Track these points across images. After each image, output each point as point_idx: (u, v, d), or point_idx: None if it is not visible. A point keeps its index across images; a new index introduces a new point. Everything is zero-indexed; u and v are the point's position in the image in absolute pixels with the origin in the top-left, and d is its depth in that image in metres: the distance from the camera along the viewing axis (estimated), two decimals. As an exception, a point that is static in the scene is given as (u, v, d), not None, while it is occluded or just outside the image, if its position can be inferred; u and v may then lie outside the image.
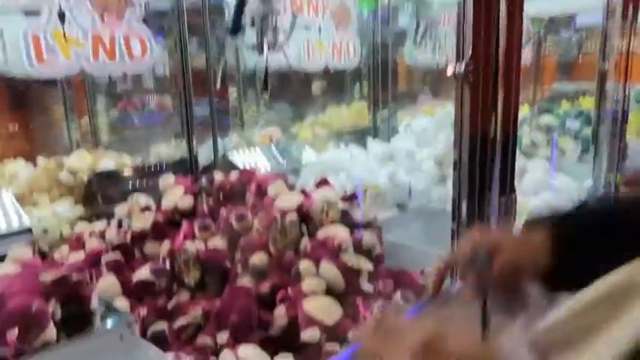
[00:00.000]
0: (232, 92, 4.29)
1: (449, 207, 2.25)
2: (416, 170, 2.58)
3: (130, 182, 2.54)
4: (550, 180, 2.61)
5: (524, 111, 3.35)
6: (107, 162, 2.59)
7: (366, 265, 1.39)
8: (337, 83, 4.82)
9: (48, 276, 1.20)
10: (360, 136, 3.87)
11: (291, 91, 4.58)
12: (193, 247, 1.47)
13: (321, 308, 1.32)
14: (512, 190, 1.66)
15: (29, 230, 1.85)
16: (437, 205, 2.29)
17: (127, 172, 2.55)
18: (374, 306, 1.39)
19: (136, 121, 4.68)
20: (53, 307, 1.18)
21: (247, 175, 1.84)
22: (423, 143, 2.88)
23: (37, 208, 2.18)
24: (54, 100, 3.75)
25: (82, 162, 2.52)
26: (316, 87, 4.88)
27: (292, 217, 1.54)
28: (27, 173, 2.41)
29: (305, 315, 1.31)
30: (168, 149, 3.26)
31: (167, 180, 1.82)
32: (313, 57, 3.42)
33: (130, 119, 4.65)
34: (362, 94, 4.92)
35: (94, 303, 1.26)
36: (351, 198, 1.70)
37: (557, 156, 3.09)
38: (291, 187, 1.85)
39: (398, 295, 1.51)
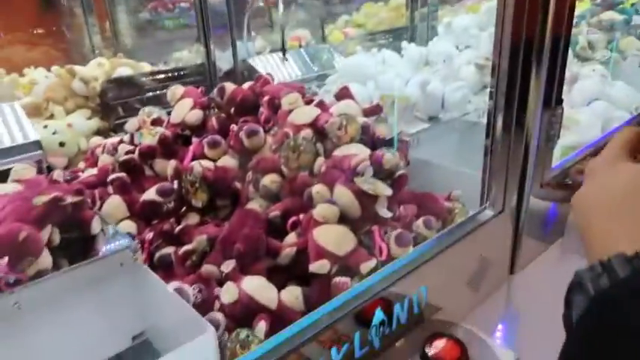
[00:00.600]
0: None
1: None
2: (453, 77, 2.33)
3: (147, 90, 2.42)
4: (606, 88, 2.32)
5: (582, 6, 2.93)
6: (124, 70, 2.47)
7: (385, 190, 1.25)
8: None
9: (40, 199, 1.13)
10: (395, 39, 3.55)
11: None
12: (200, 166, 1.37)
13: (333, 238, 1.22)
14: (559, 102, 1.45)
15: (37, 143, 1.79)
16: (473, 117, 2.08)
17: (144, 80, 2.43)
18: (391, 234, 1.27)
19: (167, 23, 4.47)
20: (49, 233, 1.12)
21: (261, 84, 1.68)
22: (463, 46, 2.58)
23: (52, 120, 2.12)
24: (77, 4, 3.59)
25: (95, 70, 2.41)
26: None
27: (306, 133, 1.40)
28: (45, 83, 2.33)
29: (315, 244, 1.21)
30: (190, 54, 3.09)
31: (175, 91, 1.68)
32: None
33: (160, 21, 4.44)
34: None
35: (95, 227, 1.20)
36: (374, 111, 1.52)
37: (616, 60, 2.72)
38: (311, 99, 1.69)
39: (420, 222, 1.39)
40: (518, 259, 1.57)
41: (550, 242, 1.73)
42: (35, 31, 3.59)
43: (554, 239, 1.74)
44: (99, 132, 2.23)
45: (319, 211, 1.26)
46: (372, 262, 1.19)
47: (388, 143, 1.61)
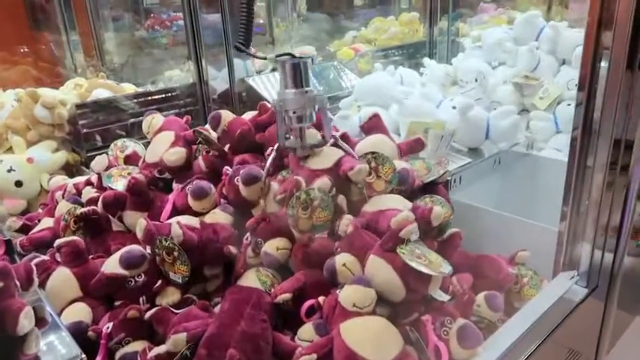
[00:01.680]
0: (261, 7, 3.68)
1: (542, 153, 1.68)
2: (489, 99, 1.97)
3: (131, 116, 2.06)
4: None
5: None
6: (101, 92, 2.11)
7: (444, 267, 0.87)
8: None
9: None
10: (410, 55, 3.21)
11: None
12: (179, 229, 0.99)
13: (370, 338, 0.84)
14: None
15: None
16: (521, 147, 1.71)
17: (126, 103, 2.07)
18: (452, 327, 0.89)
19: (164, 41, 4.17)
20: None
21: (268, 116, 1.30)
22: (496, 62, 2.23)
23: (10, 154, 1.75)
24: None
25: (68, 93, 2.05)
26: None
27: (322, 182, 1.02)
28: (10, 109, 1.97)
29: (344, 347, 0.83)
30: (182, 74, 2.75)
31: (152, 121, 1.31)
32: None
33: (156, 39, 4.14)
34: (411, 3, 4.17)
35: (24, 325, 0.82)
36: (413, 148, 1.16)
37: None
38: (318, 128, 1.32)
39: (481, 300, 1.01)
40: (605, 341, 1.18)
41: (636, 312, 1.35)
42: (21, 50, 3.28)
43: (639, 307, 1.36)
44: (69, 167, 1.87)
45: (348, 295, 0.88)
46: (429, 376, 0.81)
47: (426, 187, 1.24)
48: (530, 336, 0.90)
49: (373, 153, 1.10)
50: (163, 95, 2.17)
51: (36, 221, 1.45)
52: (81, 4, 3.29)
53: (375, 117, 1.20)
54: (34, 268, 0.95)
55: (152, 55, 3.84)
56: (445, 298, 0.92)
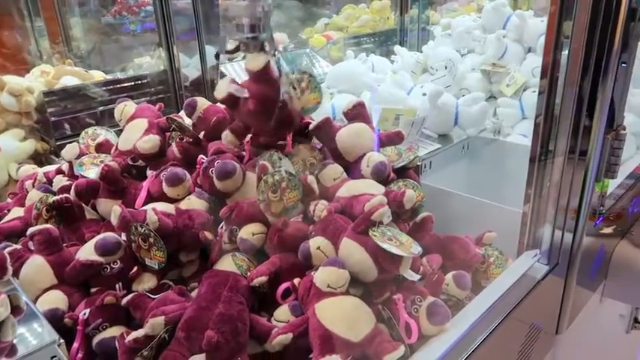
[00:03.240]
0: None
1: (508, 138, 1.73)
2: (458, 86, 2.02)
3: (100, 104, 2.03)
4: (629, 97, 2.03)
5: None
6: (69, 79, 2.06)
7: (415, 249, 0.91)
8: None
9: None
10: (381, 43, 3.23)
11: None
12: (155, 215, 1.00)
13: (344, 316, 0.87)
14: (621, 122, 1.14)
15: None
16: (488, 133, 1.76)
17: (95, 91, 2.03)
18: (422, 305, 0.93)
19: (132, 26, 4.07)
20: None
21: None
22: (465, 50, 2.28)
23: (-25, 142, 1.71)
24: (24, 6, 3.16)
25: (35, 81, 2.01)
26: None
27: (286, 161, 1.05)
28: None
29: (319, 326, 0.86)
30: (152, 61, 2.70)
31: (124, 109, 1.31)
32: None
33: (123, 25, 4.04)
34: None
35: (0, 312, 0.82)
36: (392, 140, 1.20)
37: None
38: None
39: (450, 279, 1.05)
40: (565, 316, 1.25)
41: (594, 288, 1.42)
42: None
43: (597, 284, 1.44)
44: (38, 156, 1.83)
45: (322, 276, 0.91)
46: (400, 351, 0.85)
47: (398, 172, 1.27)
48: (494, 311, 0.95)
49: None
50: (134, 83, 2.15)
51: (5, 211, 1.43)
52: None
53: (360, 105, 1.23)
54: (8, 256, 0.95)
55: (120, 41, 3.75)
56: (415, 277, 0.96)
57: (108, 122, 2.02)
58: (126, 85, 2.13)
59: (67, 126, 1.95)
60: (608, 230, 1.42)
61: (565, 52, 1.01)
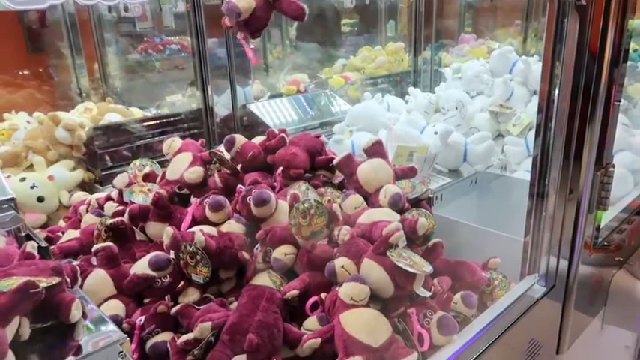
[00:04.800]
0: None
1: (514, 174, 1.88)
2: (468, 125, 2.19)
3: (138, 138, 2.22)
4: (627, 138, 2.18)
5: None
6: (113, 115, 2.28)
7: (426, 267, 1.06)
8: (369, 19, 4.32)
9: (7, 283, 0.92)
10: (395, 83, 3.43)
11: (321, 26, 4.10)
12: (202, 235, 1.16)
13: (365, 324, 1.01)
14: (610, 160, 1.29)
15: (12, 200, 1.56)
16: (496, 169, 1.92)
17: (135, 127, 2.24)
18: (433, 318, 1.07)
19: (158, 64, 4.33)
20: (16, 327, 0.90)
21: (276, 142, 1.47)
22: (474, 92, 2.46)
23: (31, 171, 1.90)
24: (65, 45, 3.42)
25: (81, 116, 2.22)
26: (346, 24, 4.41)
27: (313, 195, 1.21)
28: (26, 130, 2.14)
29: (343, 332, 1.00)
30: (184, 99, 2.92)
31: (172, 144, 1.49)
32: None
33: (150, 63, 4.29)
34: (397, 32, 4.40)
35: (75, 314, 0.98)
36: (406, 174, 1.35)
37: (625, 107, 2.59)
38: (320, 152, 1.51)
39: (458, 298, 1.19)
40: (565, 337, 1.37)
41: (593, 314, 1.54)
42: (21, 73, 3.42)
43: (597, 310, 1.55)
44: (83, 184, 2.02)
45: (347, 290, 1.06)
46: (413, 357, 0.99)
47: (412, 203, 1.43)
48: (497, 324, 1.08)
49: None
50: (169, 119, 2.35)
51: (58, 233, 1.60)
52: (86, 29, 3.43)
53: (378, 143, 1.39)
54: (78, 268, 1.12)
55: (146, 77, 4.01)
56: (427, 294, 1.10)
57: (144, 154, 2.22)
58: (162, 121, 2.33)
59: (108, 158, 2.15)
60: (606, 260, 1.54)
61: (556, 92, 1.16)
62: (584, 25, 1.10)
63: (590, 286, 1.44)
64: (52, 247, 1.42)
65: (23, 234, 1.26)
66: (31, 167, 1.96)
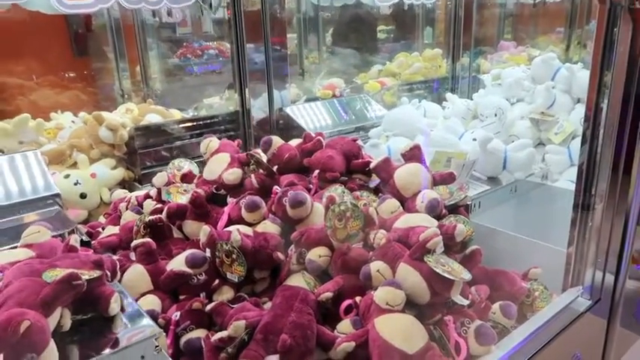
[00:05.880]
0: (292, 38, 3.91)
1: (556, 184, 1.82)
2: (507, 133, 2.14)
3: (177, 139, 2.27)
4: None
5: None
6: (153, 116, 2.33)
7: (465, 274, 1.03)
8: (405, 26, 4.30)
9: (51, 274, 0.94)
10: (432, 89, 3.39)
11: (357, 32, 4.10)
12: (238, 234, 1.17)
13: (400, 330, 0.99)
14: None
15: (57, 196, 1.62)
16: (536, 178, 1.86)
17: (174, 128, 2.28)
18: (470, 327, 1.04)
19: (196, 68, 4.42)
20: (59, 317, 0.93)
21: (313, 144, 1.47)
22: (514, 99, 2.40)
23: (74, 169, 1.96)
24: (110, 48, 3.54)
25: (123, 116, 2.28)
26: (382, 30, 4.40)
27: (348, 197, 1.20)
28: (71, 129, 2.21)
29: (378, 337, 0.99)
30: (221, 101, 2.97)
31: (209, 144, 1.51)
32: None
33: (188, 67, 4.39)
34: (434, 38, 4.36)
35: (114, 307, 1.00)
36: (445, 180, 1.33)
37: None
38: (356, 155, 1.50)
39: (497, 308, 1.16)
40: (609, 354, 1.31)
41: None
42: (67, 75, 3.55)
43: (644, 327, 1.48)
44: (123, 182, 2.08)
45: (382, 294, 1.04)
46: (450, 366, 0.96)
47: (449, 209, 1.40)
48: (538, 337, 1.04)
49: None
50: (207, 121, 2.39)
51: (98, 229, 1.65)
52: (130, 33, 3.54)
53: (416, 147, 1.37)
54: (118, 263, 1.15)
55: (184, 81, 4.10)
56: (465, 302, 1.07)
57: (182, 154, 2.26)
58: (200, 123, 2.37)
59: (147, 157, 2.20)
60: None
61: (605, 102, 1.12)
62: (638, 30, 1.05)
63: (637, 302, 1.37)
64: (92, 242, 1.46)
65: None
66: (74, 165, 2.03)
